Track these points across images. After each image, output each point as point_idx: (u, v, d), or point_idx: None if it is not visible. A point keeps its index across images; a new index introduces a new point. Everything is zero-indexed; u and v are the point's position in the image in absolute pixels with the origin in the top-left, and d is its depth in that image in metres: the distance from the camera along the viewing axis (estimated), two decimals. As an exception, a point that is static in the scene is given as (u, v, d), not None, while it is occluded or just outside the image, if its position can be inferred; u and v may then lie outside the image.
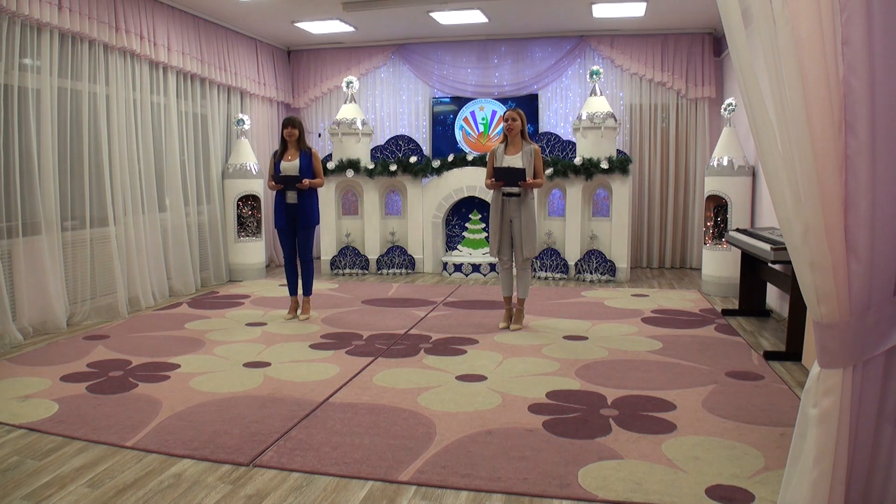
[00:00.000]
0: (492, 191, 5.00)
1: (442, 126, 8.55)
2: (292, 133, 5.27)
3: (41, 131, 4.98)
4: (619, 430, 3.08)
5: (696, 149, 8.01)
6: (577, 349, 4.48)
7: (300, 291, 5.55)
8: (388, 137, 8.30)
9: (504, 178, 4.78)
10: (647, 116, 8.10)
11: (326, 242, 7.84)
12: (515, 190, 4.85)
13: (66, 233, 5.27)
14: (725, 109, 6.56)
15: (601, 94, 7.22)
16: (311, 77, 8.90)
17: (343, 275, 7.75)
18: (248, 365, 4.16)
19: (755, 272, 5.49)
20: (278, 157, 5.34)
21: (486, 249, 7.77)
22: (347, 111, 7.70)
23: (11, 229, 4.78)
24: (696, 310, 5.70)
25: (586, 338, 4.78)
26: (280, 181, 5.21)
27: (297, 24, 7.52)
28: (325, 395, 3.59)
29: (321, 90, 8.87)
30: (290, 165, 5.25)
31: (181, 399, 3.54)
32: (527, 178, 4.76)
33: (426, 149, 8.55)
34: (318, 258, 8.18)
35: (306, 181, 5.19)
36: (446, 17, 7.27)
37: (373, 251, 7.85)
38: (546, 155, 7.47)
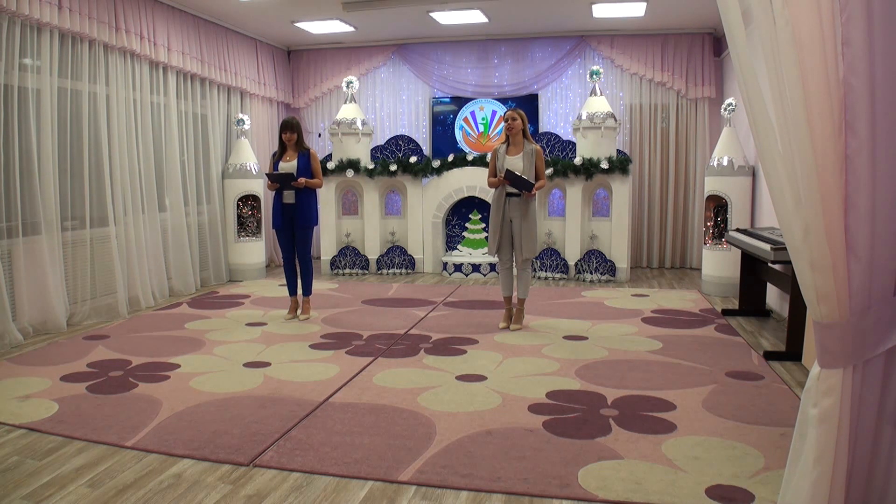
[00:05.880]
0: (493, 190, 5.00)
1: (442, 126, 8.55)
2: (291, 138, 5.27)
3: (41, 131, 4.98)
4: (619, 430, 3.08)
5: (696, 149, 8.01)
6: (577, 349, 4.48)
7: (300, 291, 5.55)
8: (388, 137, 8.30)
9: (511, 180, 4.76)
10: (647, 116, 8.10)
11: (326, 242, 7.84)
12: (516, 189, 4.86)
13: (66, 233, 5.27)
14: (725, 109, 6.56)
15: (601, 94, 7.21)
16: (311, 77, 8.90)
17: (343, 275, 7.75)
18: (248, 365, 4.16)
19: (755, 272, 5.49)
20: (277, 157, 5.34)
21: (486, 249, 7.77)
22: (347, 111, 7.70)
23: (11, 229, 4.78)
24: (696, 310, 5.70)
25: (586, 338, 4.78)
26: (275, 180, 5.21)
27: (297, 24, 7.52)
28: (325, 395, 3.59)
29: (321, 90, 8.87)
30: (288, 165, 5.25)
31: (181, 399, 3.53)
32: (533, 186, 4.74)
33: (426, 149, 8.55)
34: (318, 258, 8.18)
35: (302, 180, 5.17)
36: (446, 17, 7.27)
37: (373, 251, 7.85)
38: (546, 155, 7.47)
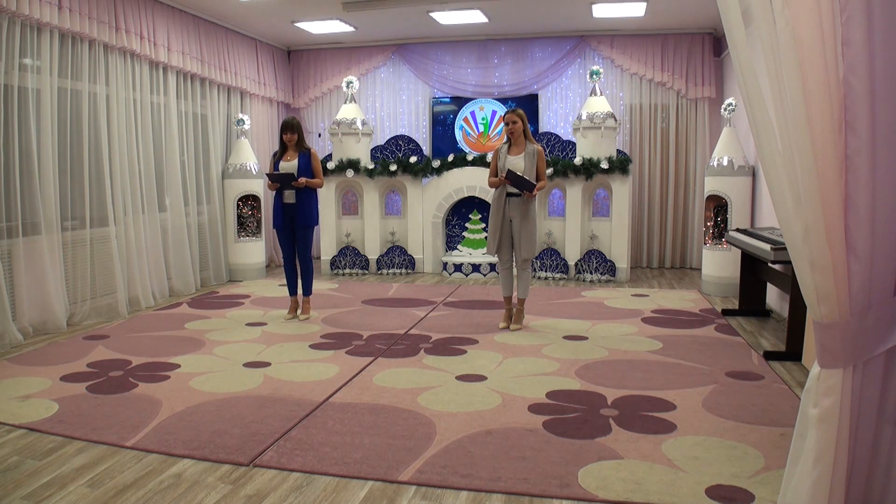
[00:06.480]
0: (493, 190, 5.00)
1: (442, 126, 8.55)
2: (291, 139, 5.28)
3: (41, 131, 4.98)
4: (619, 430, 3.08)
5: (696, 149, 8.01)
6: (577, 349, 4.48)
7: (300, 291, 5.55)
8: (388, 137, 8.30)
9: (513, 180, 4.76)
10: (647, 116, 8.10)
11: (326, 242, 7.84)
12: (517, 189, 4.86)
13: (66, 233, 5.27)
14: (725, 109, 6.56)
15: (601, 94, 7.21)
16: (311, 77, 8.90)
17: (343, 275, 7.75)
18: (248, 365, 4.16)
19: (755, 272, 5.49)
20: (277, 157, 5.34)
21: (486, 249, 7.76)
22: (347, 111, 7.70)
23: (11, 229, 4.78)
24: (696, 310, 5.70)
25: (586, 338, 4.78)
26: (275, 180, 5.21)
27: (297, 24, 7.52)
28: (325, 395, 3.59)
29: (321, 90, 8.87)
30: (289, 165, 5.25)
31: (181, 399, 3.53)
32: (534, 187, 4.75)
33: (426, 149, 8.55)
34: (318, 258, 8.18)
35: (302, 179, 5.17)
36: (446, 17, 7.27)
37: (373, 251, 7.85)
38: (546, 155, 7.47)
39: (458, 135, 8.49)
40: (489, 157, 7.27)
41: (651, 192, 8.16)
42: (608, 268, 7.11)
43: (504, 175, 4.77)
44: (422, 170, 7.65)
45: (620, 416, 3.25)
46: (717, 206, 6.53)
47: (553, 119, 8.35)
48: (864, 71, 1.77)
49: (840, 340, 1.89)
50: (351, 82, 7.76)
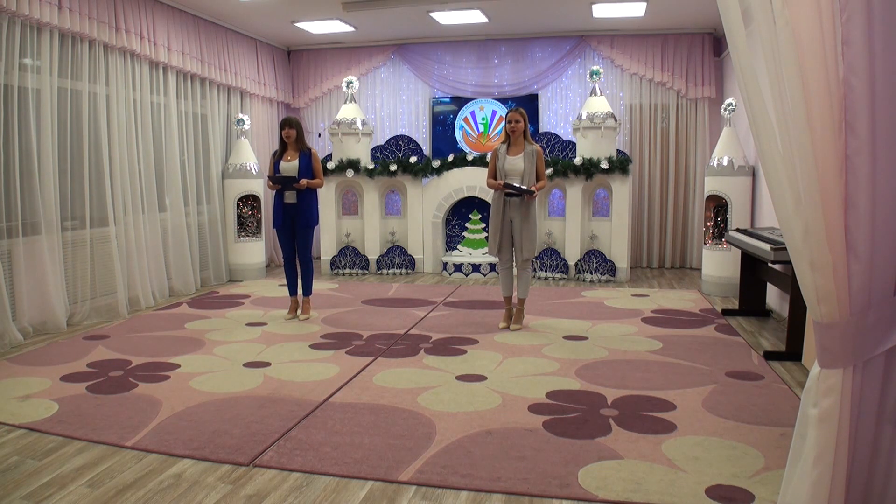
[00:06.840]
0: (492, 190, 5.00)
1: (442, 126, 8.55)
2: (290, 134, 5.27)
3: (41, 131, 4.98)
4: (619, 430, 3.08)
5: (696, 149, 8.01)
6: (577, 349, 4.48)
7: (300, 291, 5.55)
8: (388, 137, 8.30)
9: (511, 189, 4.76)
10: (647, 116, 8.10)
11: (326, 242, 7.84)
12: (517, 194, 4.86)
13: (66, 233, 5.27)
14: (725, 109, 6.56)
15: (601, 94, 7.21)
16: (311, 77, 8.90)
17: (343, 275, 7.75)
18: (248, 365, 4.16)
19: (755, 272, 5.49)
20: (277, 157, 5.34)
21: (486, 249, 7.77)
22: (347, 111, 7.70)
23: (11, 229, 4.78)
24: (696, 310, 5.70)
25: (586, 338, 4.78)
26: (277, 181, 5.21)
27: (297, 24, 7.52)
28: (325, 395, 3.59)
29: (321, 90, 8.87)
30: (289, 166, 5.25)
31: (181, 399, 3.54)
32: (534, 192, 4.75)
33: (426, 149, 8.55)
34: (318, 258, 8.18)
35: (303, 181, 5.18)
36: (446, 17, 7.27)
37: (373, 251, 7.85)
38: (546, 155, 7.47)
39: (458, 135, 8.49)
40: (489, 157, 7.28)
41: (651, 192, 8.16)
42: (608, 268, 7.11)
43: (502, 184, 4.78)
44: (422, 170, 7.65)
45: (620, 416, 3.25)
46: (717, 206, 6.53)
47: (553, 119, 8.35)
48: (864, 71, 1.77)
49: (840, 340, 1.89)
50: (351, 82, 7.76)
